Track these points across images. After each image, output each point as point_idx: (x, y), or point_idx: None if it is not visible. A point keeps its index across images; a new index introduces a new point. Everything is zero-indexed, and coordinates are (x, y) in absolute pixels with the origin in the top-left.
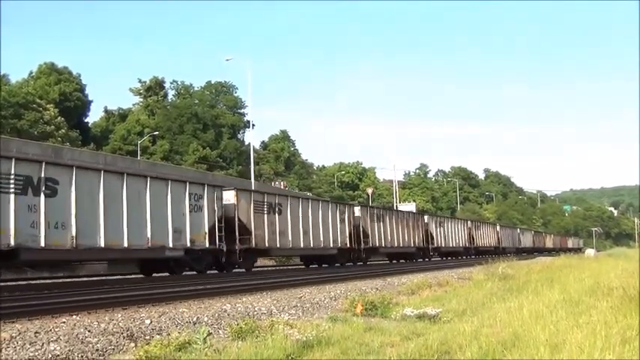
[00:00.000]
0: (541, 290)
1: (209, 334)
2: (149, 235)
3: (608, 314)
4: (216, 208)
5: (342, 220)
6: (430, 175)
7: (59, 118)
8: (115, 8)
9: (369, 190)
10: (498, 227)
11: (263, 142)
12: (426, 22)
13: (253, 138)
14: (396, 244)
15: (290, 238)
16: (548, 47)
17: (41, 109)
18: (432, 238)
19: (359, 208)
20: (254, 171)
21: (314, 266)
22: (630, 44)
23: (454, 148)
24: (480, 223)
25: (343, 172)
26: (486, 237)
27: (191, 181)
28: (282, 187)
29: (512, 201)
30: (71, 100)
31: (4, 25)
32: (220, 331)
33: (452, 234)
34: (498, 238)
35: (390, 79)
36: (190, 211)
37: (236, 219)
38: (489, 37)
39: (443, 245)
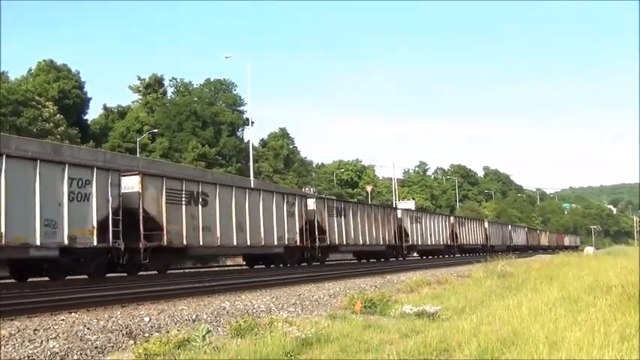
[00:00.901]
0: (540, 288)
1: (208, 331)
2: (2, 229)
3: (607, 312)
4: (110, 197)
5: (292, 214)
6: (429, 172)
7: (58, 115)
8: (114, 6)
9: (369, 188)
10: (487, 224)
11: (262, 139)
12: (426, 20)
13: (252, 135)
14: (361, 242)
15: (218, 235)
16: (547, 45)
17: (40, 106)
18: (407, 234)
19: (313, 200)
20: (253, 168)
21: (261, 266)
22: (630, 42)
23: (453, 146)
24: (464, 219)
25: (342, 170)
26: (472, 234)
27: (72, 163)
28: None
29: (511, 199)
30: (70, 98)
31: (4, 22)
32: (219, 329)
33: (431, 230)
34: (486, 236)
35: (390, 77)
36: (71, 200)
37: (140, 210)
38: (489, 35)
39: (420, 243)
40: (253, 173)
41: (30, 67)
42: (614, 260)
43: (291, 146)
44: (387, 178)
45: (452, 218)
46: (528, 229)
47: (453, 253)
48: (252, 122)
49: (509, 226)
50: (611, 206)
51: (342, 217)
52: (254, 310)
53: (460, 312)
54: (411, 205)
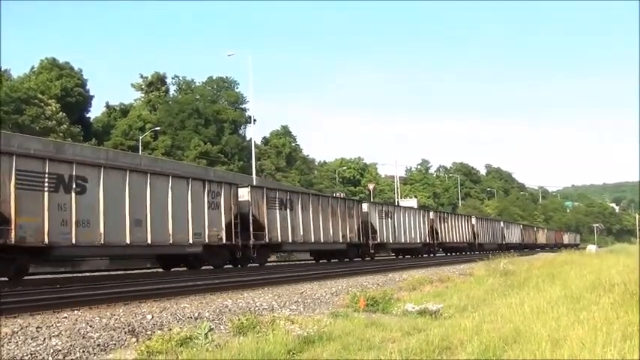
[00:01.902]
0: (542, 286)
1: (210, 329)
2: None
3: (609, 310)
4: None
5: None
6: (431, 170)
7: (61, 113)
8: (117, 3)
9: (371, 186)
10: (474, 220)
11: (264, 137)
12: (428, 18)
13: (255, 133)
14: (313, 239)
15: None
16: (550, 42)
17: (43, 104)
18: (375, 231)
19: (247, 189)
20: (255, 166)
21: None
22: (632, 40)
23: (455, 143)
24: (447, 214)
25: (345, 168)
26: (456, 231)
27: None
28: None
29: (513, 197)
30: (73, 96)
31: (6, 21)
32: (222, 327)
33: (405, 227)
34: (474, 233)
35: (392, 75)
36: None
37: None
38: (491, 33)
39: (391, 240)
40: (255, 171)
41: (33, 65)
42: (616, 258)
43: (293, 144)
44: (389, 176)
45: (431, 213)
46: (524, 226)
47: (433, 252)
48: (255, 120)
49: (502, 223)
50: (613, 204)
51: (288, 210)
52: (256, 308)
53: (462, 310)
54: (413, 203)
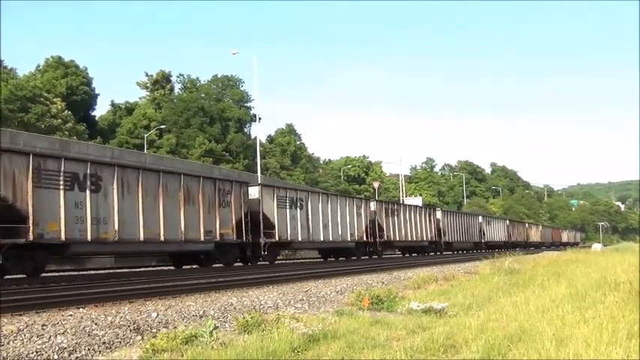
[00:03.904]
0: (547, 284)
1: (215, 327)
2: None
3: (614, 309)
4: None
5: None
6: (436, 169)
7: (66, 111)
8: (122, 2)
9: (376, 184)
10: (439, 213)
11: (269, 135)
12: (433, 16)
13: (259, 132)
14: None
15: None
16: (557, 41)
17: (48, 102)
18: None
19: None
20: (260, 165)
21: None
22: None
23: (461, 142)
24: (397, 205)
25: (349, 166)
26: (409, 226)
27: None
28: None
29: (518, 195)
30: (78, 94)
31: (13, 20)
32: (226, 325)
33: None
34: (438, 229)
35: (397, 73)
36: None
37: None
38: (496, 30)
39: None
40: (260, 169)
41: (38, 63)
42: (621, 257)
43: (298, 142)
44: (394, 175)
45: (372, 204)
46: (510, 221)
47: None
48: (260, 118)
49: (480, 217)
50: (619, 203)
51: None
52: (261, 306)
53: (467, 308)
54: (418, 201)
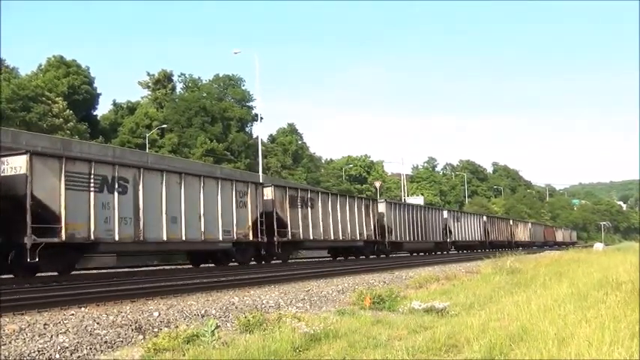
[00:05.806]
0: (549, 284)
1: (217, 326)
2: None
3: (616, 308)
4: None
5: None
6: (438, 168)
7: (68, 111)
8: (124, 2)
9: (377, 184)
10: (383, 206)
11: (271, 135)
12: (434, 15)
13: (261, 131)
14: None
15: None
16: (558, 40)
17: (50, 102)
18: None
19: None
20: (262, 164)
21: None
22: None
23: (462, 141)
24: (314, 192)
25: (351, 166)
26: (344, 222)
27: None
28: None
29: (520, 195)
30: (80, 93)
31: (14, 19)
32: (228, 324)
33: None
34: (381, 226)
35: (398, 73)
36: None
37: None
38: (497, 30)
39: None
40: (262, 169)
41: (40, 62)
42: (623, 256)
43: (300, 142)
44: (395, 174)
45: (445, 212)
46: (489, 217)
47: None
48: (261, 118)
49: (445, 213)
50: (621, 202)
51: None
52: (262, 306)
53: (469, 308)
54: (419, 200)
